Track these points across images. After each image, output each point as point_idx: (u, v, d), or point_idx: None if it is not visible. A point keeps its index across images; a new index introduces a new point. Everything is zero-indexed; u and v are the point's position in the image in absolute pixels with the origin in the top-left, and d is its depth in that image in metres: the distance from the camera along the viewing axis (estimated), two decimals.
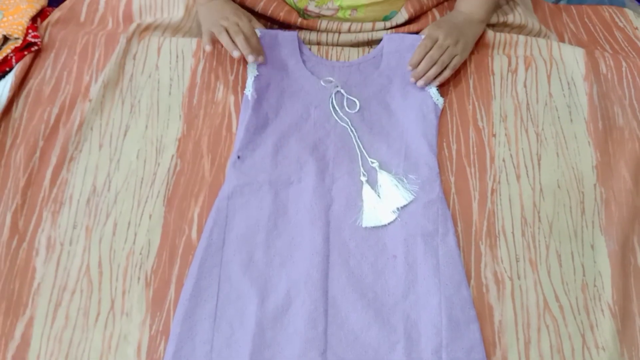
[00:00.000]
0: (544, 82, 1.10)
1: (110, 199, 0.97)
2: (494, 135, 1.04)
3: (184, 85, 1.09)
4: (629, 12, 1.27)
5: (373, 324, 0.85)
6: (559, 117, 1.06)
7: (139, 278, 0.90)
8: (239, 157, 0.99)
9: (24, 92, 1.07)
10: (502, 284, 0.90)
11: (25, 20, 1.13)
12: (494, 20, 1.17)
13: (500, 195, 0.97)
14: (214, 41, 1.08)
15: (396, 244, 0.91)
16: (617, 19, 1.27)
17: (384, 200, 0.95)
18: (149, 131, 1.04)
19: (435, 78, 1.05)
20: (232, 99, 1.08)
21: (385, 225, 0.93)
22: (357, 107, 1.05)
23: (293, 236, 0.92)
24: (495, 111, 1.06)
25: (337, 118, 1.04)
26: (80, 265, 0.91)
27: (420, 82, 1.04)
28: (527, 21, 1.18)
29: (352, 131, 1.02)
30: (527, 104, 1.07)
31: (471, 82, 1.10)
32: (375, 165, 0.99)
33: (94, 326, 0.87)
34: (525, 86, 1.09)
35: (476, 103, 1.07)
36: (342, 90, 1.06)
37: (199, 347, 0.84)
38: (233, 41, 1.05)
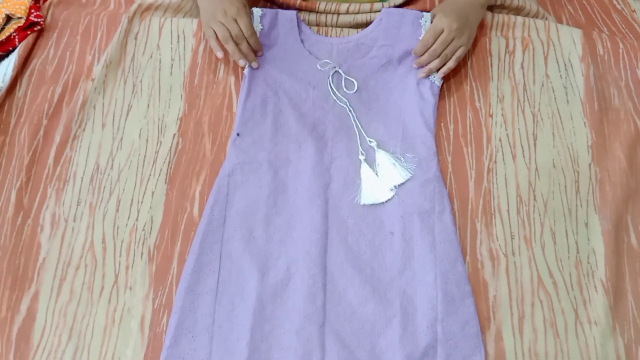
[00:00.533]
0: (541, 63, 1.11)
1: (114, 177, 0.98)
2: (491, 116, 1.05)
3: (185, 65, 1.10)
4: None
5: (370, 299, 0.87)
6: (555, 98, 1.07)
7: (142, 254, 0.92)
8: (238, 134, 1.00)
9: (27, 72, 1.08)
10: (497, 261, 0.92)
11: (28, 0, 1.14)
12: (492, 1, 1.17)
13: (496, 174, 0.99)
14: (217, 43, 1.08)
15: (393, 222, 0.93)
16: (615, 2, 1.27)
17: (381, 179, 0.96)
18: (151, 111, 1.05)
19: (438, 69, 1.05)
20: (232, 79, 1.09)
21: (382, 203, 0.95)
22: (355, 88, 1.06)
23: (292, 214, 0.94)
24: (493, 92, 1.08)
25: (335, 99, 1.05)
26: (84, 241, 0.93)
27: (422, 74, 1.04)
28: (525, 3, 1.19)
29: (350, 111, 1.04)
30: (524, 84, 1.08)
31: (469, 63, 1.11)
32: (374, 144, 1.00)
33: (97, 300, 0.89)
34: (522, 67, 1.10)
35: (474, 84, 1.08)
36: (340, 71, 1.07)
37: (200, 320, 0.86)
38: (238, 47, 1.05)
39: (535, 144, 1.02)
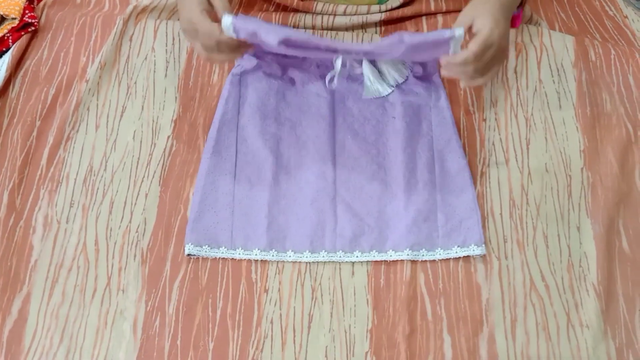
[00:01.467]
0: (534, 69, 1.11)
1: (107, 179, 0.98)
2: (484, 120, 1.05)
3: (180, 67, 1.10)
4: (619, 1, 1.28)
5: (376, 175, 0.98)
6: (548, 103, 1.07)
7: (135, 255, 0.92)
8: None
9: (21, 72, 1.08)
10: (489, 264, 0.92)
11: (22, 1, 1.13)
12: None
13: (489, 178, 0.99)
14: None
15: (395, 107, 1.03)
16: (607, 8, 1.28)
17: (382, 75, 1.05)
18: (145, 112, 1.05)
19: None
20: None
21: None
22: None
23: (300, 105, 1.04)
24: (486, 97, 1.08)
25: None
26: (77, 242, 0.92)
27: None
28: None
29: None
30: (517, 89, 1.09)
31: None
32: None
33: (90, 302, 0.89)
34: (515, 72, 1.11)
35: (467, 89, 1.09)
36: None
37: (221, 197, 0.95)
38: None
39: (528, 149, 1.02)
